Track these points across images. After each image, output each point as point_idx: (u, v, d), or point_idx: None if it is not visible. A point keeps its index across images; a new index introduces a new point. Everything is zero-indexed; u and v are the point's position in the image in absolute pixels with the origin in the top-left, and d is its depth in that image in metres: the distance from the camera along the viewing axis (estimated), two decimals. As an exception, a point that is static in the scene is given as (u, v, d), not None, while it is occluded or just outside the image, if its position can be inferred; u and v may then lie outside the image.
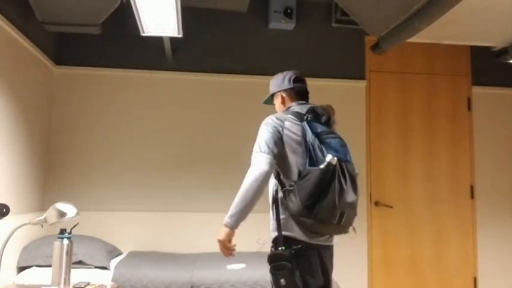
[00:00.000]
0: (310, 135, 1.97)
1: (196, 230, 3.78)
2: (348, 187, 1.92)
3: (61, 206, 2.10)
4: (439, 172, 4.19)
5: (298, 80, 2.24)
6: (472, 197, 4.21)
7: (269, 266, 1.96)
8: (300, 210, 1.90)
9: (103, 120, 3.85)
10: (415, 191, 4.14)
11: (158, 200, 3.82)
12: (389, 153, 4.16)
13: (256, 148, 2.01)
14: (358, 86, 4.18)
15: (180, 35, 3.18)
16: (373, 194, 4.09)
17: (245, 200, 1.95)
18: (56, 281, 2.18)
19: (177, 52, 3.99)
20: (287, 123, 2.03)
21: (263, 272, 2.74)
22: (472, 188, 4.22)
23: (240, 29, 4.11)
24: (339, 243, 2.17)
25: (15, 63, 3.05)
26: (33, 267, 2.97)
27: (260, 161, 1.96)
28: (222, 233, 2.02)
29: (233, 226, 1.99)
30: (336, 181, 1.88)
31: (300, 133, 2.01)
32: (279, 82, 2.25)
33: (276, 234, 2.01)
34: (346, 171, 1.94)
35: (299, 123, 2.03)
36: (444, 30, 2.62)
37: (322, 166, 1.88)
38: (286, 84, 2.22)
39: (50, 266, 2.75)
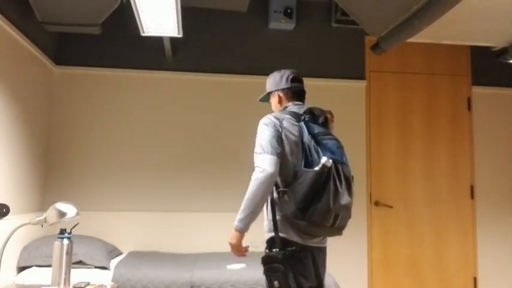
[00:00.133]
0: (306, 136, 1.96)
1: (196, 230, 3.78)
2: (343, 189, 1.91)
3: (61, 206, 2.10)
4: (439, 172, 4.19)
5: (296, 80, 2.23)
6: (472, 197, 4.21)
7: (263, 268, 1.95)
8: (293, 211, 1.89)
9: (103, 120, 3.85)
10: (415, 191, 4.14)
11: (158, 200, 3.82)
12: (389, 153, 4.16)
13: (258, 149, 1.98)
14: (358, 86, 4.18)
15: (180, 35, 3.18)
16: (373, 194, 4.09)
17: (253, 204, 1.92)
18: (56, 281, 2.18)
19: (177, 52, 3.99)
20: (285, 123, 2.02)
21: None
22: (472, 188, 4.22)
23: (240, 29, 4.11)
24: (329, 244, 2.16)
25: (15, 63, 3.05)
26: (33, 267, 2.97)
27: (265, 162, 1.93)
28: (233, 237, 1.99)
29: (244, 229, 1.97)
30: (331, 183, 1.87)
31: (297, 133, 2.00)
32: (276, 81, 2.23)
33: (270, 235, 2.00)
34: (341, 173, 1.93)
35: (296, 123, 2.03)
36: (444, 30, 2.62)
37: (317, 168, 1.87)
38: (284, 84, 2.21)
39: (50, 266, 2.75)
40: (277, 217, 1.98)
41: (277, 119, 2.04)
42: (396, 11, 2.49)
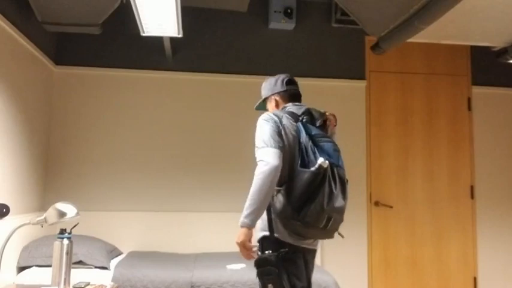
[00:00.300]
0: (304, 136, 1.96)
1: (196, 230, 3.78)
2: (337, 192, 1.90)
3: (61, 206, 2.10)
4: (439, 172, 4.19)
5: (291, 83, 2.22)
6: (472, 197, 4.21)
7: (256, 271, 1.92)
8: (287, 211, 1.88)
9: (103, 120, 3.85)
10: (415, 191, 4.14)
11: (158, 200, 3.82)
12: (389, 153, 4.16)
13: (260, 143, 1.95)
14: (358, 86, 4.18)
15: (180, 35, 3.18)
16: (373, 194, 4.09)
17: (259, 198, 1.87)
18: (56, 281, 2.18)
19: (177, 52, 3.99)
20: (284, 121, 2.02)
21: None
22: (472, 188, 4.22)
23: (240, 29, 4.11)
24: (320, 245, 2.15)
25: (15, 63, 3.05)
26: (33, 267, 2.97)
27: (269, 155, 1.90)
28: (241, 234, 1.90)
29: (251, 226, 1.90)
30: (326, 184, 1.86)
31: (295, 133, 2.00)
32: (271, 85, 2.23)
33: (263, 234, 1.98)
34: (337, 176, 1.92)
35: (294, 123, 2.02)
36: (444, 30, 2.62)
37: (313, 169, 1.86)
38: (279, 87, 2.20)
39: (50, 266, 2.75)
40: (272, 216, 1.96)
41: (277, 116, 2.04)
42: (396, 11, 2.49)
